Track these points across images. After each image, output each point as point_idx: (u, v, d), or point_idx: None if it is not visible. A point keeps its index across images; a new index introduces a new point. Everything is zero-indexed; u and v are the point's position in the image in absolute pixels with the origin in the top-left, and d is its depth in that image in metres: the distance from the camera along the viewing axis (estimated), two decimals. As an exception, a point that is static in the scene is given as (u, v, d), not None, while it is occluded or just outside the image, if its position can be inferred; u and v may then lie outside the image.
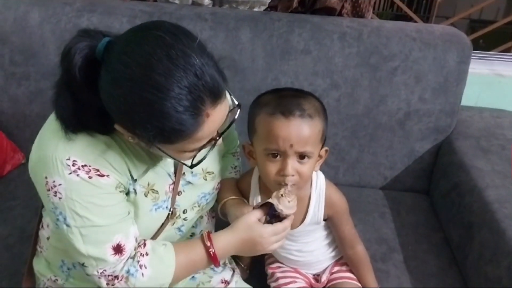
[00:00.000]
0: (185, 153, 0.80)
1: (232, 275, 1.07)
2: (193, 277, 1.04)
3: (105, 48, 0.73)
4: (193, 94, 0.70)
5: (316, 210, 1.04)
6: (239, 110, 0.83)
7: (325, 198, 1.04)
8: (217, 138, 0.81)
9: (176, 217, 0.96)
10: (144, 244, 0.88)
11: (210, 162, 0.99)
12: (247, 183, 1.08)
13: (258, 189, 1.07)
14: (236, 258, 1.18)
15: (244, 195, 1.08)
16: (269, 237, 0.92)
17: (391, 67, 1.45)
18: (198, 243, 0.91)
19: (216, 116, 0.75)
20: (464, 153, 1.42)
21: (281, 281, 1.12)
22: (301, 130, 0.92)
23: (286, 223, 0.94)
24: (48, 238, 0.98)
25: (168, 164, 0.92)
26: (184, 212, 0.98)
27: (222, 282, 1.04)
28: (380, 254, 1.30)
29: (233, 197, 1.04)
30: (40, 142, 0.82)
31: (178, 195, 0.95)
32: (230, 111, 0.81)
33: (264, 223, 0.93)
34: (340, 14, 1.56)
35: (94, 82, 0.73)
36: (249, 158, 1.03)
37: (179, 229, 1.00)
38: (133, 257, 0.86)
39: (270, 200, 0.91)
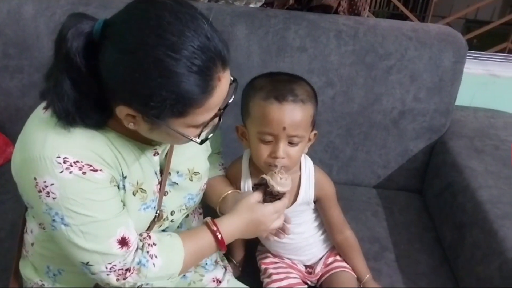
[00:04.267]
0: (193, 128, 0.78)
1: (224, 273, 1.07)
2: (184, 275, 1.03)
3: (102, 28, 0.72)
4: (206, 55, 0.70)
5: (307, 189, 1.08)
6: (235, 97, 0.84)
7: (315, 179, 1.08)
8: (221, 111, 0.81)
9: (164, 219, 0.95)
10: (149, 236, 0.87)
11: (196, 162, 0.98)
12: (238, 168, 1.11)
13: (248, 173, 1.10)
14: (228, 255, 1.18)
15: (235, 181, 1.11)
16: (271, 215, 0.94)
17: (386, 66, 1.45)
18: (203, 229, 0.91)
19: (225, 83, 0.76)
20: (458, 153, 1.42)
21: (274, 277, 1.12)
22: (294, 114, 0.96)
23: (285, 200, 0.97)
24: (32, 244, 0.94)
25: (154, 162, 0.90)
26: (171, 213, 0.96)
27: (214, 281, 1.03)
28: (373, 252, 1.30)
29: (233, 190, 1.05)
30: (23, 143, 0.78)
31: (165, 195, 0.94)
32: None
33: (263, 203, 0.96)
34: (336, 12, 1.55)
35: (92, 66, 0.72)
36: (241, 140, 1.07)
37: (164, 231, 0.98)
38: (141, 248, 0.84)
39: (263, 176, 0.95)
